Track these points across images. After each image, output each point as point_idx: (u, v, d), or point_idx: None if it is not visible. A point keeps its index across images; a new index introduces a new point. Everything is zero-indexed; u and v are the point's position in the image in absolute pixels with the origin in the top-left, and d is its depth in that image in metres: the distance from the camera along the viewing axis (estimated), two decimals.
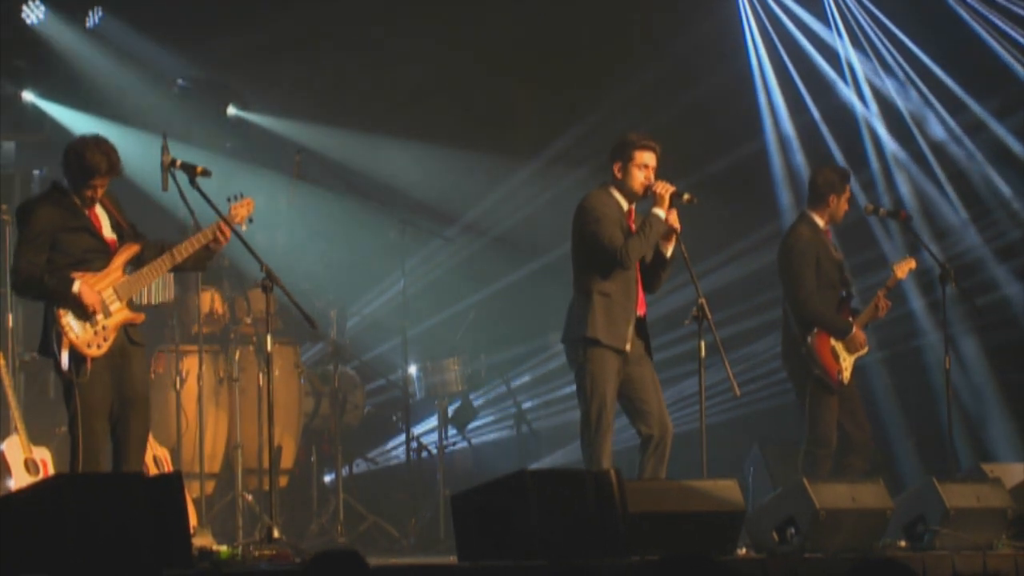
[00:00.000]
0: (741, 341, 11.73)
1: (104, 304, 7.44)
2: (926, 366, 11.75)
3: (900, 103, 12.31)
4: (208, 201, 7.62)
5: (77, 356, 7.39)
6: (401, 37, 12.21)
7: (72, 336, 7.36)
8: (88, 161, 7.46)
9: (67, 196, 7.55)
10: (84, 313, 7.38)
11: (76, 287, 7.36)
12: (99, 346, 7.42)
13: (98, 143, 7.54)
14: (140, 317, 7.63)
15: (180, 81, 12.01)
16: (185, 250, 7.63)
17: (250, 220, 7.88)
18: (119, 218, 7.67)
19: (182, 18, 11.70)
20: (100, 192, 7.54)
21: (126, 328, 7.55)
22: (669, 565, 4.60)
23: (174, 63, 11.92)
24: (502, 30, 12.24)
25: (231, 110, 12.49)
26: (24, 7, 11.55)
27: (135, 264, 7.63)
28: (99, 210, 7.63)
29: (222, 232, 7.64)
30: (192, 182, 7.65)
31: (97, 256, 7.52)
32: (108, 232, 7.62)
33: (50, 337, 7.43)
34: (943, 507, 8.13)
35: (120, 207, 7.74)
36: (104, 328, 7.44)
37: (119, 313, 7.50)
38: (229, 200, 7.85)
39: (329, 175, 12.22)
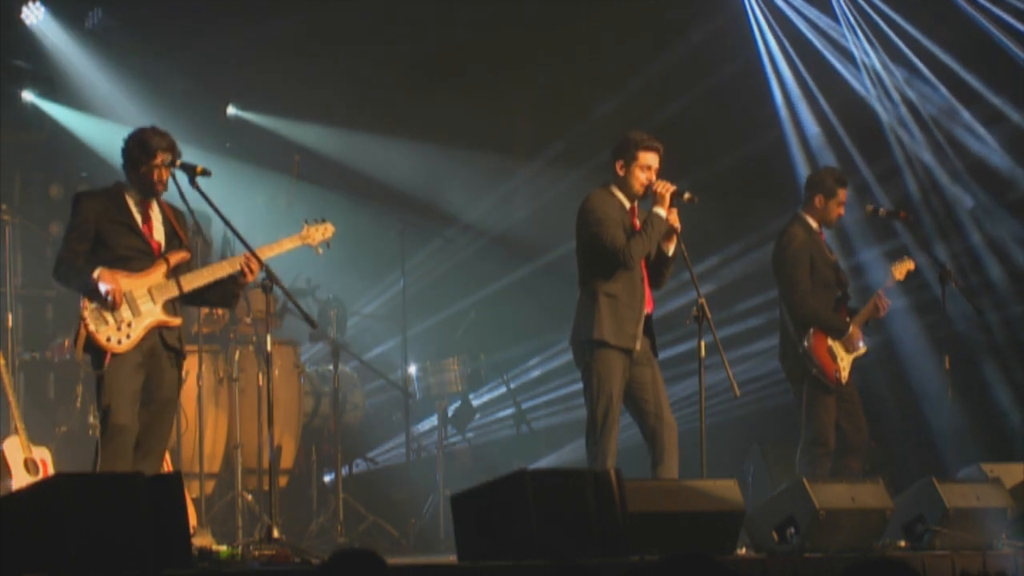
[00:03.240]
0: (743, 340, 11.76)
1: (134, 302, 7.42)
2: (935, 364, 11.73)
3: (913, 95, 12.29)
4: (208, 201, 7.61)
5: (95, 349, 7.40)
6: (401, 36, 12.22)
7: (91, 328, 7.37)
8: (150, 139, 7.55)
9: (120, 192, 7.59)
10: (103, 301, 7.36)
11: (97, 272, 7.37)
12: (119, 342, 7.39)
13: (153, 126, 7.69)
14: (175, 321, 7.56)
15: (181, 82, 12.02)
16: (214, 272, 7.61)
17: (326, 245, 7.91)
18: (179, 230, 7.67)
19: (182, 18, 11.69)
20: (166, 174, 7.54)
21: (161, 332, 7.52)
22: (669, 565, 4.60)
23: (174, 62, 11.92)
24: (503, 28, 12.24)
25: (231, 110, 12.49)
26: (24, 7, 11.55)
27: (181, 273, 7.60)
28: (154, 213, 7.64)
29: (249, 266, 7.61)
30: (192, 182, 7.65)
31: (139, 255, 7.52)
32: (157, 235, 7.61)
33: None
34: (943, 507, 8.14)
35: (186, 226, 7.73)
36: (129, 326, 7.41)
37: (150, 314, 7.47)
38: (306, 222, 7.89)
39: (329, 175, 12.22)
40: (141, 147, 7.57)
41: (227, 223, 7.64)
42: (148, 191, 7.59)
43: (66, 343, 10.27)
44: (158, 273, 7.53)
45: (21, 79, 11.64)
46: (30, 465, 8.84)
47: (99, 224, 7.51)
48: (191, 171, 7.65)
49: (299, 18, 11.86)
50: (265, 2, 12.01)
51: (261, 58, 12.01)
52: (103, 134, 11.37)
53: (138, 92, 11.81)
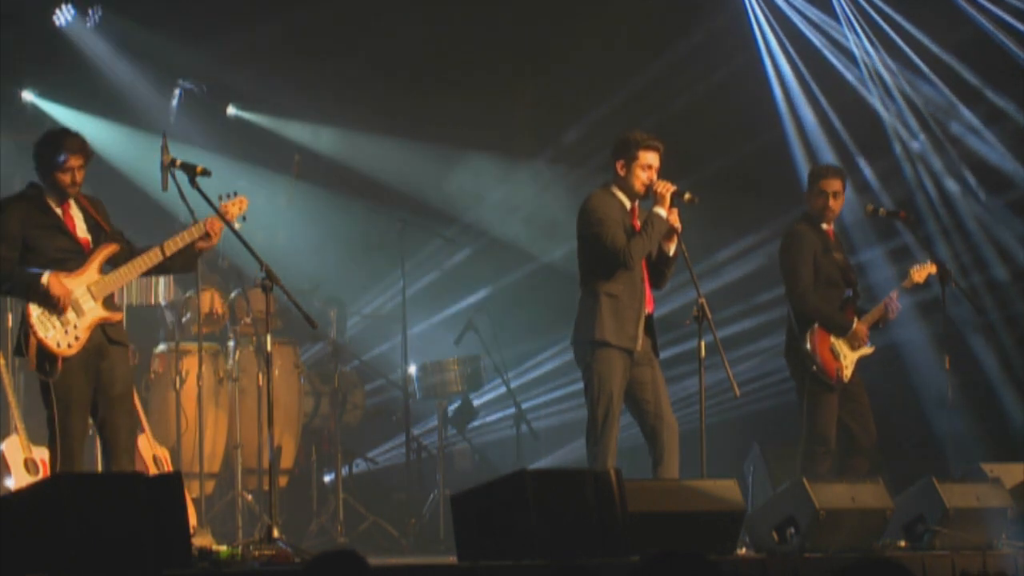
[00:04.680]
0: (743, 340, 11.76)
1: (76, 302, 7.40)
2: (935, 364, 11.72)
3: (913, 94, 12.28)
4: (208, 201, 7.61)
5: (47, 355, 7.35)
6: (401, 36, 12.21)
7: (40, 335, 7.32)
8: (60, 142, 7.51)
9: (41, 195, 7.54)
10: (52, 307, 7.34)
11: (45, 278, 7.33)
12: (69, 345, 7.37)
13: (63, 128, 7.66)
14: (117, 316, 7.57)
15: (181, 81, 12.01)
16: (173, 245, 7.60)
17: (243, 218, 7.86)
18: (100, 220, 7.64)
19: (182, 18, 11.69)
20: (79, 176, 7.50)
21: (104, 327, 7.50)
22: (653, 563, 4.61)
23: (174, 63, 11.92)
24: (502, 28, 12.23)
25: (231, 110, 12.49)
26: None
27: (114, 265, 7.57)
28: (74, 211, 7.60)
29: (212, 229, 7.62)
30: (192, 182, 7.64)
31: (71, 256, 7.49)
32: (82, 232, 7.57)
33: (21, 336, 7.40)
34: (943, 507, 8.14)
35: (105, 212, 7.71)
36: (75, 327, 7.39)
37: (93, 312, 7.45)
38: (221, 198, 7.82)
39: (329, 175, 12.22)
40: (52, 150, 7.51)
41: (226, 222, 7.64)
42: (62, 194, 7.53)
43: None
44: (92, 270, 7.51)
45: (21, 79, 11.64)
46: (30, 465, 8.84)
47: (25, 230, 7.44)
48: (191, 171, 7.63)
49: (299, 18, 11.85)
50: (265, 2, 12.00)
51: (261, 58, 12.00)
52: (103, 134, 11.36)
53: (138, 92, 11.81)
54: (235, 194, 7.88)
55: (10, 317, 9.99)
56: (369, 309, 12.47)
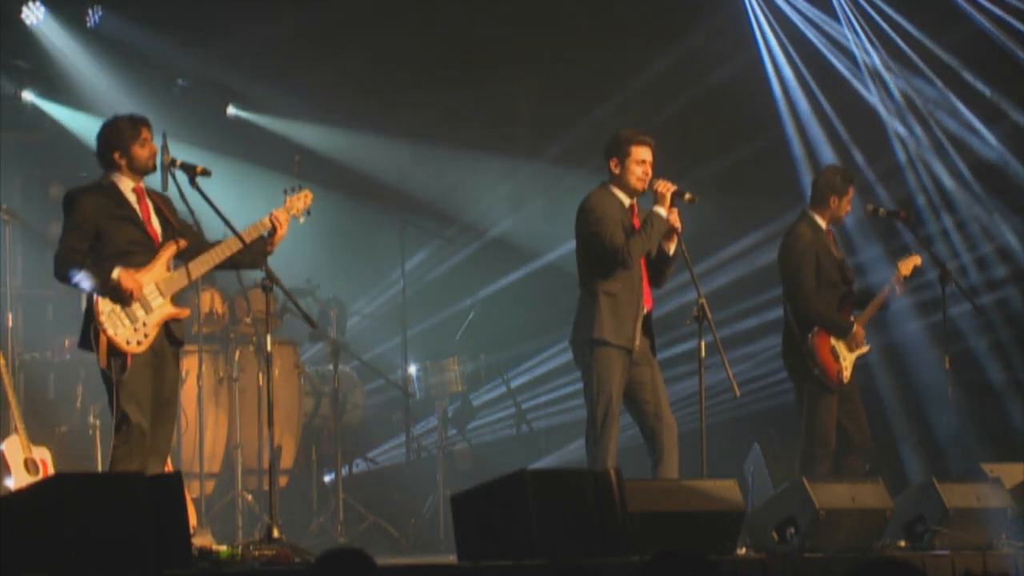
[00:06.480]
0: (743, 340, 11.77)
1: (144, 299, 7.35)
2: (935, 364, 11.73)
3: (913, 94, 12.29)
4: (208, 201, 7.59)
5: (116, 353, 7.30)
6: (401, 36, 12.22)
7: (110, 333, 7.27)
8: (128, 118, 7.54)
9: (114, 186, 7.50)
10: (123, 300, 7.28)
11: (116, 272, 7.27)
12: (139, 343, 7.32)
13: (117, 115, 7.64)
14: (184, 312, 7.53)
15: (180, 81, 12.02)
16: (223, 250, 7.55)
17: (307, 212, 7.84)
18: (168, 215, 7.61)
19: (182, 18, 11.70)
20: (154, 149, 7.50)
21: (168, 325, 7.46)
22: (653, 563, 4.61)
23: (174, 63, 11.93)
24: (503, 28, 12.24)
25: (231, 110, 12.49)
26: (24, 7, 11.55)
27: (183, 260, 7.52)
28: (148, 203, 7.56)
29: (278, 221, 7.61)
30: (192, 182, 7.62)
31: (140, 249, 7.43)
32: (154, 225, 7.54)
33: (89, 332, 7.33)
34: (943, 507, 8.14)
35: (173, 209, 7.66)
36: (144, 325, 7.34)
37: (161, 309, 7.40)
38: (286, 192, 7.81)
39: (329, 175, 12.22)
40: (124, 128, 7.50)
41: (227, 223, 7.62)
42: (142, 169, 7.51)
43: (66, 342, 10.26)
44: (161, 266, 7.47)
45: (21, 79, 11.64)
46: (30, 465, 8.84)
47: (98, 221, 7.39)
48: (191, 171, 7.62)
49: (299, 18, 11.86)
50: (266, 2, 12.01)
51: (261, 58, 12.01)
52: None
53: (138, 92, 11.82)
54: (300, 187, 7.87)
55: (10, 317, 9.99)
56: (369, 309, 12.47)
